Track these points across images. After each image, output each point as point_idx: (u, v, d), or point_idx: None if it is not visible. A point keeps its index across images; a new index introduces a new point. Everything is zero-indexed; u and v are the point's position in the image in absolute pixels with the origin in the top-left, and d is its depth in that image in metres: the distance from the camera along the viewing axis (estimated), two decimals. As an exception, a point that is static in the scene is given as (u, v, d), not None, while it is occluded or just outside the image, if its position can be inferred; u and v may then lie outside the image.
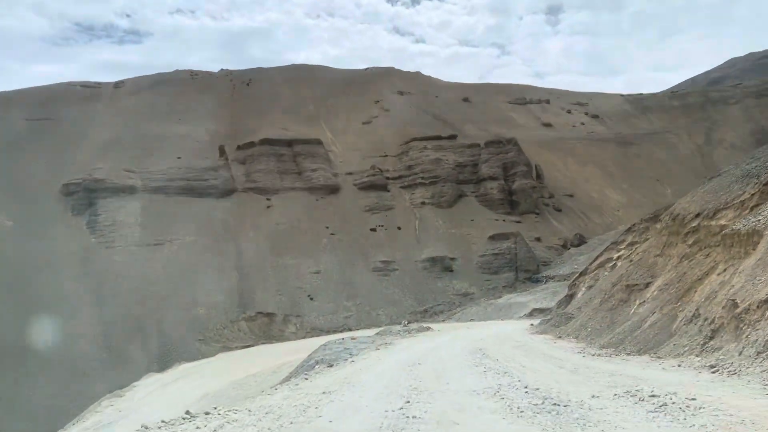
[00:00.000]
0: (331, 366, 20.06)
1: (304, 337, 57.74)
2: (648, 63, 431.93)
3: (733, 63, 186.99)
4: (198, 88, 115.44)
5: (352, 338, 38.07)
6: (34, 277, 59.98)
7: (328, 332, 58.98)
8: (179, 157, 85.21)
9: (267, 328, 59.21)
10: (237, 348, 55.09)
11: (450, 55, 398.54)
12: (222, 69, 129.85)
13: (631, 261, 29.48)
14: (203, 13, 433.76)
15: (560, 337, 21.97)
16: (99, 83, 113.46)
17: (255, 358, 46.56)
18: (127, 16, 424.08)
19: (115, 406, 35.52)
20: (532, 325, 39.10)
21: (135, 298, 60.09)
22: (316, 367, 20.83)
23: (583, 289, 42.19)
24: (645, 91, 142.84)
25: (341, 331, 59.31)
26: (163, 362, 52.46)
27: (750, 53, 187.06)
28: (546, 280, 66.16)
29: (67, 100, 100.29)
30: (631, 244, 40.49)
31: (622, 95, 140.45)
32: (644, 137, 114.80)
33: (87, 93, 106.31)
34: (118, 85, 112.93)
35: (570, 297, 44.95)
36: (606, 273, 40.87)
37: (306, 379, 17.48)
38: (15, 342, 52.49)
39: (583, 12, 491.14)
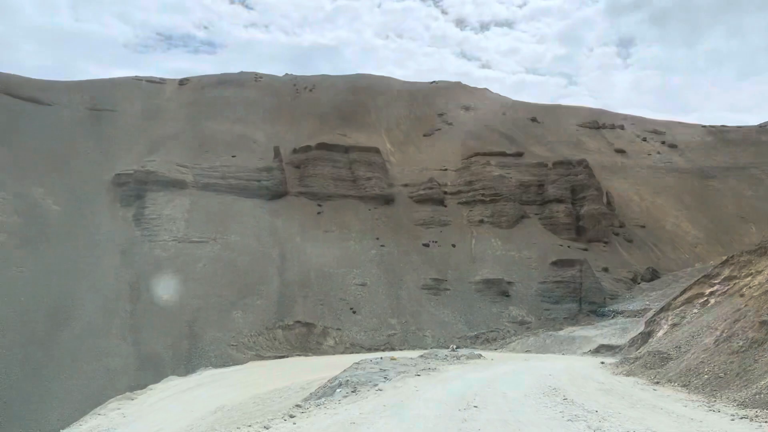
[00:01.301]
0: (355, 392, 15.54)
1: (342, 353, 53.47)
2: (723, 103, 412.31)
3: None
4: (261, 91, 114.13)
5: (392, 358, 33.45)
6: (71, 266, 58.08)
7: (369, 350, 54.61)
8: (234, 156, 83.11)
9: (304, 339, 55.15)
10: (270, 357, 51.41)
11: (516, 81, 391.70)
12: (287, 74, 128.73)
13: (742, 295, 23.82)
14: (276, 28, 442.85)
15: (658, 382, 16.85)
16: (164, 79, 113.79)
17: (286, 371, 42.50)
18: (205, 27, 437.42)
19: (122, 409, 31.95)
20: (603, 363, 33.50)
21: (171, 295, 57.22)
22: (338, 391, 16.34)
23: (666, 326, 36.24)
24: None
25: (383, 350, 54.90)
26: (191, 365, 49.24)
27: None
28: (614, 315, 59.66)
29: (131, 93, 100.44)
30: (729, 278, 34.44)
31: (703, 126, 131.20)
32: (727, 171, 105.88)
33: (151, 87, 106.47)
34: (182, 82, 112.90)
35: (647, 335, 38.95)
36: (695, 310, 34.91)
37: (319, 406, 13.05)
38: (44, 332, 50.34)
39: (656, 46, 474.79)
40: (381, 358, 34.81)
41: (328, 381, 21.09)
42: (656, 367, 19.49)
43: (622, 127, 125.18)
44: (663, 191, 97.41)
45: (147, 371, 46.27)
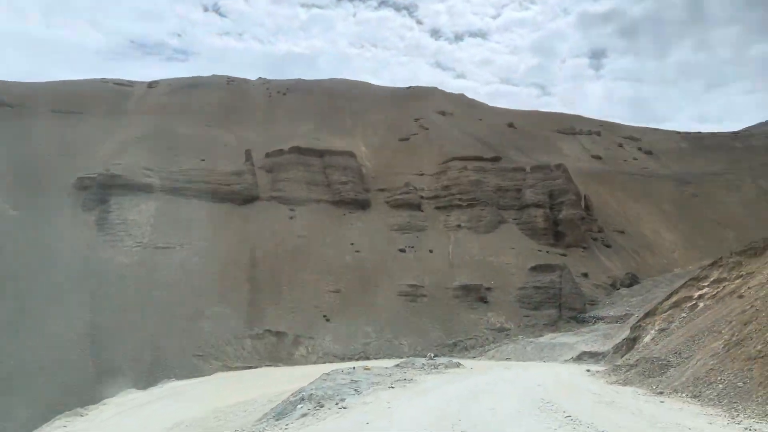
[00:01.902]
0: (320, 407, 13.29)
1: (315, 362, 51.01)
2: (693, 113, 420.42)
3: None
4: (233, 94, 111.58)
5: (366, 368, 31.21)
6: (28, 273, 54.75)
7: (343, 359, 52.24)
8: (203, 160, 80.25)
9: (274, 348, 52.53)
10: (238, 368, 48.77)
11: (490, 91, 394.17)
12: (260, 77, 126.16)
13: (741, 297, 22.13)
14: (250, 36, 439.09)
15: (661, 392, 14.95)
16: (132, 82, 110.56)
17: (254, 382, 40.00)
18: (178, 35, 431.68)
19: (68, 427, 29.22)
20: (589, 371, 31.67)
21: (134, 303, 54.24)
22: (299, 407, 14.08)
23: (653, 332, 34.56)
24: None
25: (357, 359, 52.61)
26: (153, 377, 46.26)
27: None
28: (594, 321, 58.13)
29: (97, 96, 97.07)
30: (718, 281, 32.96)
31: (678, 133, 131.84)
32: (704, 177, 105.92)
33: (119, 90, 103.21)
34: (152, 85, 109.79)
35: (633, 341, 37.23)
36: (684, 314, 33.32)
37: (272, 427, 10.80)
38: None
39: (627, 57, 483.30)
40: (353, 368, 32.50)
41: (292, 395, 18.84)
42: (655, 375, 17.60)
43: (598, 134, 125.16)
44: (641, 197, 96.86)
45: (105, 385, 43.18)
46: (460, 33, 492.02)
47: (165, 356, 49.12)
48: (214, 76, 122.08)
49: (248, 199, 75.47)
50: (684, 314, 32.77)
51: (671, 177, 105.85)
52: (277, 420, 12.84)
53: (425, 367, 33.62)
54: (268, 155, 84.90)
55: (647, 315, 36.63)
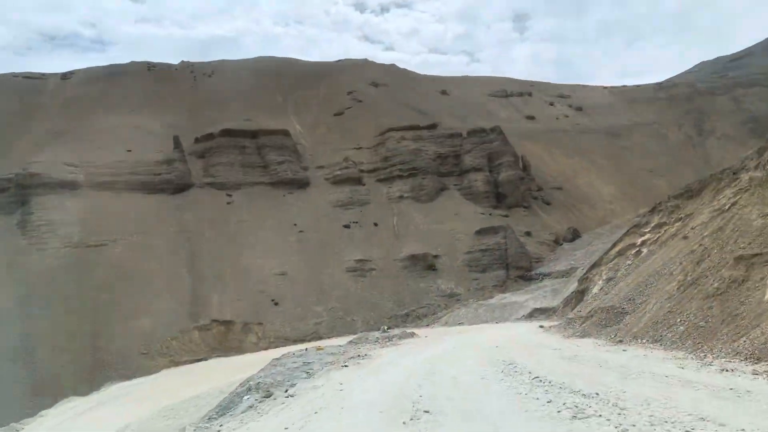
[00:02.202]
0: (267, 397, 12.17)
1: (266, 348, 49.57)
2: (615, 69, 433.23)
3: (702, 66, 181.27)
4: (155, 80, 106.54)
5: (318, 348, 30.22)
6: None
7: (295, 341, 51.01)
8: (129, 151, 76.39)
9: (223, 338, 50.82)
10: (187, 362, 46.86)
11: (420, 62, 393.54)
12: (183, 61, 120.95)
13: (686, 237, 22.16)
14: (170, 22, 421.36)
15: (621, 341, 14.58)
16: (44, 74, 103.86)
17: (204, 375, 38.36)
18: (92, 25, 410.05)
19: (2, 445, 27.15)
20: (542, 327, 31.69)
21: (68, 307, 51.24)
22: (246, 398, 12.90)
23: (600, 282, 34.92)
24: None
25: (310, 340, 51.50)
26: (95, 382, 43.87)
27: (719, 57, 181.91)
28: (541, 278, 58.93)
29: (7, 91, 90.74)
30: (659, 225, 33.44)
31: (605, 87, 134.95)
32: (633, 128, 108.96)
33: (30, 84, 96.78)
34: (66, 76, 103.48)
35: (582, 293, 37.63)
36: (629, 261, 33.70)
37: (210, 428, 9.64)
38: None
39: (549, 19, 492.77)
40: (305, 349, 31.42)
41: (240, 385, 17.65)
42: (612, 324, 17.31)
43: (529, 94, 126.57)
44: (575, 153, 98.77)
45: (43, 396, 40.63)
46: (385, 4, 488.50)
47: (107, 358, 46.75)
48: (132, 63, 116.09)
49: (181, 187, 72.47)
50: (629, 261, 33.16)
51: (602, 131, 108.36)
52: (221, 415, 11.67)
53: (379, 341, 32.87)
54: (197, 140, 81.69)
55: (593, 266, 37.07)
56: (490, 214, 72.99)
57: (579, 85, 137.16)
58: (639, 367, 10.56)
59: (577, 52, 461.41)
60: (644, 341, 13.64)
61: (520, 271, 62.29)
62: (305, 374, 16.09)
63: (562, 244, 70.99)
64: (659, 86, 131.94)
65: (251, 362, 34.98)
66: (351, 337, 39.34)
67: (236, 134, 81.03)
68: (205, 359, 47.27)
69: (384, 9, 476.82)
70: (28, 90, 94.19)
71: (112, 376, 44.29)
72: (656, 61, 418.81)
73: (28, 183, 65.98)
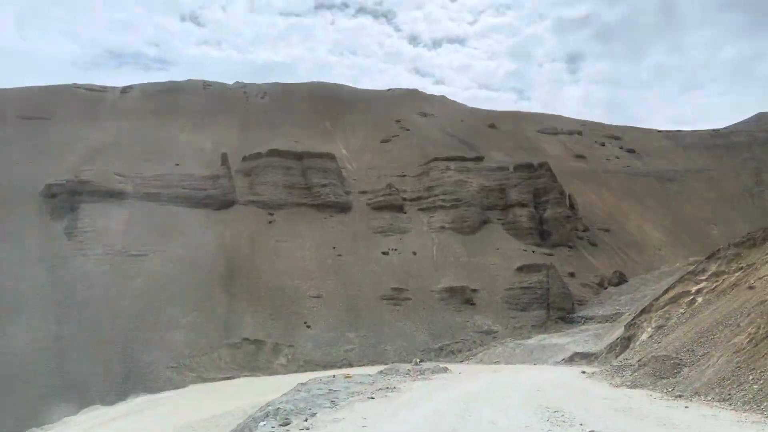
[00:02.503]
0: (285, 424, 11.22)
1: (296, 371, 48.74)
2: (668, 115, 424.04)
3: (759, 117, 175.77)
4: (209, 98, 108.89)
5: (347, 376, 29.07)
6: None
7: (325, 367, 50.08)
8: (178, 164, 77.70)
9: (252, 358, 50.18)
10: (214, 379, 46.37)
11: (469, 96, 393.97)
12: (237, 81, 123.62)
13: (752, 288, 20.43)
14: (229, 45, 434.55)
15: (680, 396, 13.13)
16: (105, 87, 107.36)
17: (230, 394, 37.73)
18: (156, 45, 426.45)
19: (21, 449, 26.80)
20: (584, 372, 29.88)
21: (104, 314, 51.59)
22: (262, 425, 11.97)
23: (649, 329, 32.87)
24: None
25: (340, 367, 50.50)
26: (123, 391, 43.91)
27: None
28: (584, 321, 56.59)
29: (68, 101, 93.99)
30: (717, 274, 31.42)
31: (659, 131, 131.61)
32: (686, 174, 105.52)
33: (90, 96, 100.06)
34: (125, 90, 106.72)
35: (628, 339, 35.57)
36: (681, 310, 31.68)
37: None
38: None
39: (603, 62, 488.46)
40: (333, 376, 30.37)
41: (260, 409, 16.74)
42: (668, 376, 15.79)
43: (580, 133, 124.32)
44: (625, 195, 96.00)
45: (69, 402, 40.58)
46: (438, 39, 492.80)
47: (136, 369, 46.59)
48: (189, 80, 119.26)
49: (225, 203, 73.00)
50: (682, 310, 31.15)
51: (654, 175, 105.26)
52: (235, 441, 10.75)
53: (410, 373, 31.56)
54: (245, 159, 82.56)
55: (642, 312, 35.03)
56: (533, 251, 71.06)
57: (631, 126, 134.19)
58: (707, 428, 9.22)
59: (630, 96, 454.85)
60: (709, 398, 12.18)
61: (561, 312, 60.06)
62: (329, 403, 15.09)
63: (606, 288, 68.40)
64: (716, 132, 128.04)
65: (278, 385, 34.15)
66: (381, 367, 38.08)
67: (283, 155, 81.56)
68: (233, 378, 46.66)
69: (436, 44, 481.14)
70: (88, 101, 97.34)
71: (139, 388, 44.04)
72: (711, 110, 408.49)
73: (79, 190, 67.42)
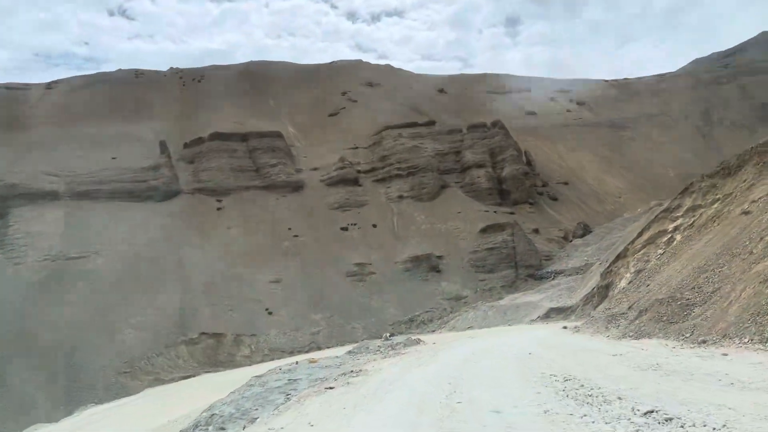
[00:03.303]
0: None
1: (261, 361, 45.66)
2: (608, 69, 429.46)
3: (696, 63, 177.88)
4: (143, 87, 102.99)
5: (311, 361, 26.29)
6: None
7: (292, 353, 47.24)
8: (114, 158, 72.72)
9: (213, 352, 46.94)
10: (173, 380, 42.95)
11: (413, 68, 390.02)
12: (171, 67, 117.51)
13: (748, 213, 18.43)
14: (162, 37, 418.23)
15: (704, 341, 10.87)
16: (28, 84, 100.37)
17: (189, 395, 34.43)
18: (85, 43, 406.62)
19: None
20: (566, 328, 27.86)
21: (45, 325, 47.39)
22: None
23: (628, 275, 31.11)
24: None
25: (308, 351, 47.72)
26: (72, 404, 40.06)
27: (712, 53, 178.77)
28: (554, 276, 55.09)
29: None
30: (692, 208, 29.66)
31: (606, 81, 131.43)
32: (638, 121, 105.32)
33: (12, 95, 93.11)
34: (50, 86, 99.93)
35: (606, 288, 33.83)
36: (660, 251, 29.91)
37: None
38: None
39: (541, 22, 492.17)
40: (296, 362, 27.53)
41: (205, 411, 13.86)
42: (678, 320, 13.57)
43: (529, 90, 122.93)
44: (579, 147, 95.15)
45: (11, 421, 36.82)
46: (376, 13, 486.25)
47: (85, 378, 42.86)
48: (120, 70, 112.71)
49: (168, 194, 68.73)
50: (661, 250, 29.36)
51: (606, 124, 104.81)
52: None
53: (381, 350, 29.02)
54: (186, 145, 78.16)
55: (618, 258, 33.23)
56: (494, 212, 69.20)
57: (579, 79, 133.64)
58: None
59: (570, 54, 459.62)
60: (745, 340, 9.95)
61: (529, 269, 58.50)
62: (282, 399, 12.31)
63: (572, 241, 67.17)
64: (661, 77, 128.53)
65: (240, 378, 31.20)
66: (350, 347, 35.55)
67: (226, 137, 77.44)
68: (193, 376, 43.42)
69: (375, 18, 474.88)
70: (9, 100, 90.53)
71: (90, 399, 40.43)
72: (649, 61, 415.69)
73: (6, 194, 62.29)
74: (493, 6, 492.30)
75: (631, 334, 14.58)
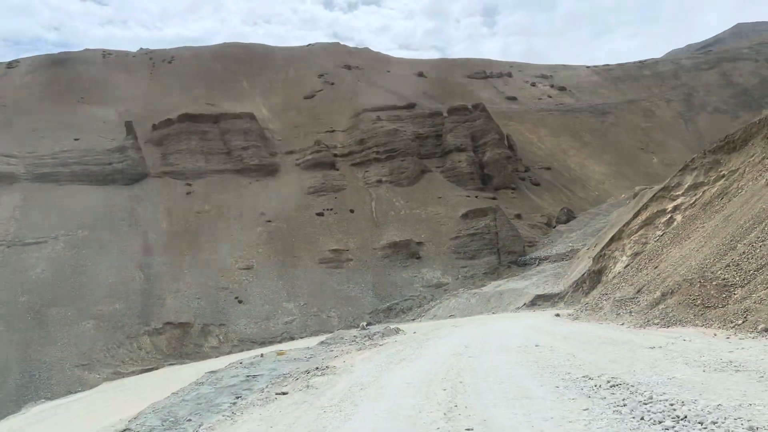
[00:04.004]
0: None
1: (230, 352, 43.05)
2: (585, 60, 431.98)
3: (673, 53, 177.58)
4: (111, 67, 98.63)
5: (279, 353, 23.89)
6: None
7: (263, 343, 44.67)
8: (77, 139, 68.91)
9: (178, 343, 44.03)
10: (134, 373, 40.09)
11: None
12: (141, 48, 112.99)
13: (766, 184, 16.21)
14: (135, 23, 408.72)
15: (767, 329, 8.58)
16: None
17: (148, 390, 31.59)
18: (56, 29, 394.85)
19: None
20: (558, 315, 25.60)
21: (-3, 314, 44.05)
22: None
23: (624, 258, 28.93)
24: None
25: (280, 341, 45.26)
26: (24, 400, 36.91)
27: (689, 44, 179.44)
28: (538, 262, 53.03)
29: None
30: (694, 186, 27.56)
31: (588, 67, 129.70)
32: (620, 106, 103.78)
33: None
34: (11, 65, 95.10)
35: (598, 273, 31.69)
36: (659, 232, 27.80)
37: None
38: None
39: (518, 13, 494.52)
40: (262, 355, 24.90)
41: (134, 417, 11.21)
42: (716, 304, 11.16)
43: (509, 75, 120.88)
44: (561, 132, 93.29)
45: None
46: (353, 2, 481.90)
47: (39, 373, 39.71)
48: (86, 50, 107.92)
49: (135, 177, 65.22)
50: (660, 231, 27.25)
51: (588, 110, 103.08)
52: None
53: (357, 340, 26.53)
54: (155, 127, 74.48)
55: (612, 241, 31.09)
56: (476, 197, 66.93)
57: (560, 65, 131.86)
58: None
59: (547, 44, 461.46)
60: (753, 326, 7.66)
61: (513, 255, 56.36)
62: (228, 405, 9.67)
63: (555, 227, 65.30)
64: (642, 64, 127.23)
65: (207, 371, 28.51)
66: (324, 337, 33.00)
67: (197, 119, 73.89)
68: (156, 368, 40.57)
69: (352, 6, 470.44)
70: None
71: (43, 394, 37.38)
72: (626, 51, 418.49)
73: (-42, 176, 58.38)
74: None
75: (656, 321, 12.24)
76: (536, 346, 10.76)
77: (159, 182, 65.64)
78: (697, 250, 15.65)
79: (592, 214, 64.40)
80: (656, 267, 18.62)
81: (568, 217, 65.91)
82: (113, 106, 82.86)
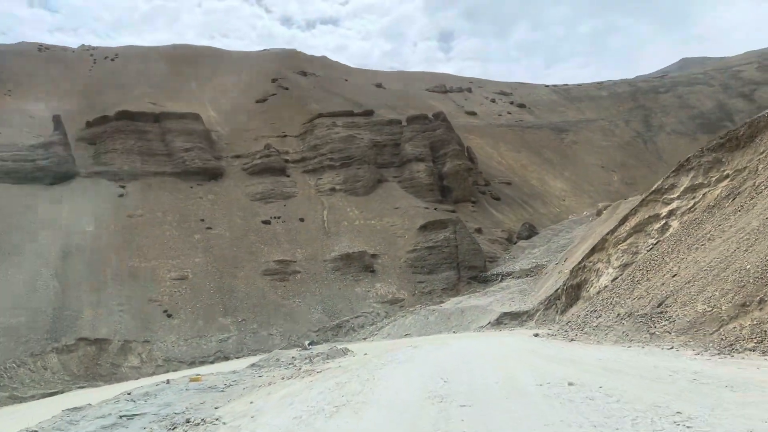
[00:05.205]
0: None
1: (153, 373, 37.41)
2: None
3: (629, 83, 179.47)
4: (47, 62, 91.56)
5: (193, 379, 18.73)
6: None
7: (192, 364, 39.26)
8: (-2, 133, 62.09)
9: (92, 362, 38.05)
10: (34, 397, 34.02)
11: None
12: (83, 45, 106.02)
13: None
14: (87, 31, 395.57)
15: None
16: None
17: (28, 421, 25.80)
18: (3, 33, 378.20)
19: None
20: (537, 335, 21.50)
21: None
22: None
23: (610, 270, 25.09)
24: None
25: (212, 362, 40.03)
26: None
27: (638, 75, 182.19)
28: (501, 278, 49.18)
29: None
30: (692, 188, 23.97)
31: (547, 86, 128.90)
32: (579, 125, 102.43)
33: None
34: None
35: (577, 287, 27.74)
36: (652, 240, 24.08)
37: None
38: None
39: (473, 39, 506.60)
40: (167, 381, 19.82)
41: None
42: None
43: (469, 90, 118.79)
44: (522, 147, 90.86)
45: None
46: (311, 20, 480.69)
47: None
48: (21, 43, 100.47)
49: (61, 176, 58.82)
50: (653, 240, 23.52)
51: (548, 127, 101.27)
52: None
53: (296, 362, 21.75)
54: (89, 124, 68.26)
55: (593, 251, 27.29)
56: (435, 209, 63.06)
57: (519, 83, 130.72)
58: None
59: (500, 71, 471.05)
60: None
61: (473, 271, 52.47)
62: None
63: (516, 242, 61.92)
64: (600, 85, 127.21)
65: (98, 399, 23.13)
66: (257, 358, 28.08)
67: (136, 117, 68.01)
68: (62, 392, 34.60)
69: (310, 25, 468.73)
70: None
71: None
72: (579, 80, 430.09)
73: None
74: (428, 20, 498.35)
75: (714, 348, 8.13)
76: (569, 385, 6.54)
77: (88, 182, 59.38)
78: (745, 251, 11.77)
79: (555, 230, 61.32)
80: (674, 276, 14.69)
81: (530, 232, 62.66)
82: (45, 101, 76.03)
